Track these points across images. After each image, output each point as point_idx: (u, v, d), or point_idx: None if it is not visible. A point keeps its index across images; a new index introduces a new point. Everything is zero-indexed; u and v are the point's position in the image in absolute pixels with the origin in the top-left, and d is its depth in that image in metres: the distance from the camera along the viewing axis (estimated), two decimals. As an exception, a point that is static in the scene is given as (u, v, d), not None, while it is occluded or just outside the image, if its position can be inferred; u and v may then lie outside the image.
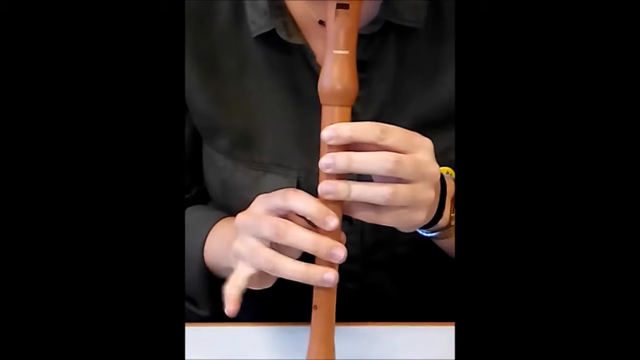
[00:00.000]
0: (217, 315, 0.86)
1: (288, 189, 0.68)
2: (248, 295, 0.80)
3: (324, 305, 0.67)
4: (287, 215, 0.67)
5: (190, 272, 0.83)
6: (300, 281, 0.66)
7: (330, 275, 0.65)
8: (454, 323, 0.58)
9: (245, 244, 0.68)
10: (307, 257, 0.67)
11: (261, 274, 0.68)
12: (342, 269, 0.67)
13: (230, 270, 0.73)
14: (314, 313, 0.67)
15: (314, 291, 0.67)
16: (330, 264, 0.66)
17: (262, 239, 0.67)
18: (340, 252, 0.65)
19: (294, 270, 0.66)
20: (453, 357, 0.59)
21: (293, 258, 0.67)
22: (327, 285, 0.66)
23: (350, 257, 0.67)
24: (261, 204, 0.68)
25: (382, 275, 0.87)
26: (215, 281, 0.85)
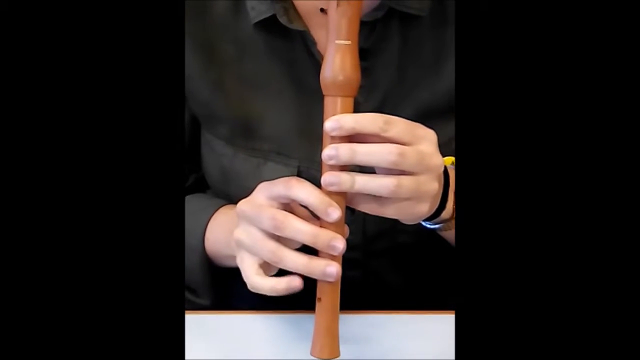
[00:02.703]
0: (217, 304, 0.86)
1: (291, 177, 0.68)
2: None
3: (327, 298, 0.67)
4: (289, 204, 0.67)
5: (191, 261, 0.83)
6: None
7: (332, 269, 0.65)
8: (449, 312, 0.58)
9: (247, 234, 0.68)
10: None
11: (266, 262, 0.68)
12: (344, 257, 0.67)
13: (232, 258, 0.73)
14: (318, 305, 0.67)
15: (318, 283, 0.67)
16: (332, 256, 0.66)
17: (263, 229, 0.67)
18: (339, 244, 0.65)
19: (296, 262, 0.65)
20: (451, 345, 0.59)
21: (295, 247, 0.66)
22: (329, 279, 0.65)
23: (351, 246, 0.67)
24: (263, 192, 0.68)
25: (383, 263, 0.87)
26: (216, 270, 0.85)
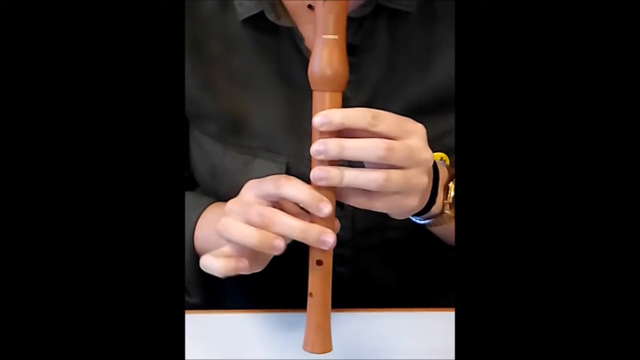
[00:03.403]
0: (208, 303, 0.86)
1: (280, 175, 0.67)
2: (243, 282, 0.79)
3: (319, 293, 0.66)
4: (279, 201, 0.67)
5: (181, 259, 0.83)
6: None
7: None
8: (448, 309, 0.58)
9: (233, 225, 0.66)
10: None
11: (250, 254, 0.67)
12: (333, 253, 0.67)
13: None
14: (309, 301, 0.67)
15: (309, 278, 0.67)
16: (322, 251, 0.66)
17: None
18: (329, 238, 0.65)
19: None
20: (449, 344, 0.59)
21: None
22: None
23: (341, 241, 0.67)
24: (252, 190, 0.67)
25: (373, 259, 0.87)
26: None
